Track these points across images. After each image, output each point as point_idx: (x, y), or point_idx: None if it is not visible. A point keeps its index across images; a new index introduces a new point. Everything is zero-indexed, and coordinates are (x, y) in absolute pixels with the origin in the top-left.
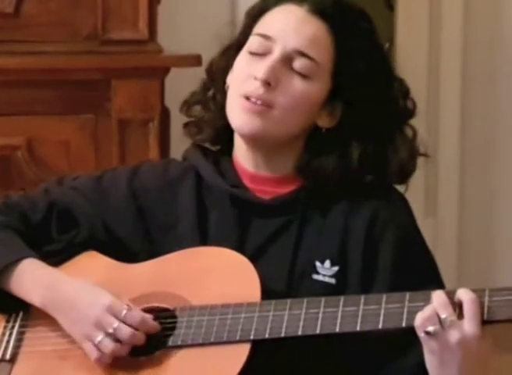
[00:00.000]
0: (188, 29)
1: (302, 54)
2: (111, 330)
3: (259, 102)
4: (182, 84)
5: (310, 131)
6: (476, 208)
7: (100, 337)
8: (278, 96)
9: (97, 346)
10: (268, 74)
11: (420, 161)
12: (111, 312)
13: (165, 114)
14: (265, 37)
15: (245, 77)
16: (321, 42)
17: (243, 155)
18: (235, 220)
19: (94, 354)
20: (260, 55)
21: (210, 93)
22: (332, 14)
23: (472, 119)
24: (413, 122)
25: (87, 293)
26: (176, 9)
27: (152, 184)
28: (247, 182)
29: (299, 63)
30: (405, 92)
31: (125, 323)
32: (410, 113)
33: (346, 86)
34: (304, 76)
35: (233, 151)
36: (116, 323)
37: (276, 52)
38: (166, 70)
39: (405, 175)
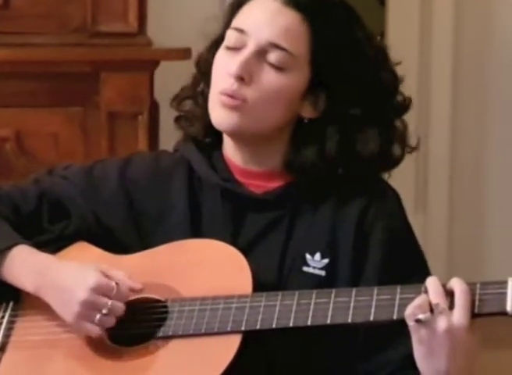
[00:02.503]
0: (178, 22)
1: (275, 46)
2: (105, 311)
3: (233, 97)
4: (171, 77)
5: (294, 123)
6: (466, 203)
7: (98, 315)
8: (252, 90)
9: (96, 323)
10: (240, 69)
11: (410, 157)
12: (100, 291)
13: (154, 107)
14: (240, 30)
15: (223, 74)
16: (296, 33)
17: (231, 150)
18: (227, 214)
19: (95, 330)
20: (235, 49)
21: (199, 87)
22: (307, 4)
23: (463, 114)
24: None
25: (74, 273)
26: (165, 2)
27: (143, 176)
28: (237, 176)
29: (273, 56)
30: (395, 86)
31: (116, 299)
32: (405, 107)
33: (326, 75)
34: (278, 68)
35: (223, 146)
36: (109, 302)
37: (250, 46)
38: (156, 63)
39: (391, 163)
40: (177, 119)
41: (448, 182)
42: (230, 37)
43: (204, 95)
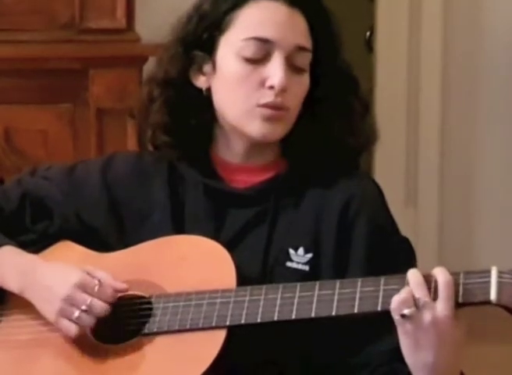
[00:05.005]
0: (166, 17)
1: (301, 48)
2: (84, 307)
3: (279, 109)
4: None
5: None
6: (456, 197)
7: (77, 312)
8: (290, 98)
9: (75, 321)
10: (284, 82)
11: (400, 151)
12: (82, 288)
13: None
14: (263, 40)
15: (254, 86)
16: (306, 31)
17: (228, 150)
18: (209, 210)
19: (72, 329)
20: (259, 60)
21: (174, 94)
22: (305, 2)
23: (452, 108)
24: (393, 110)
25: (58, 272)
26: None
27: (125, 175)
28: (222, 172)
29: (299, 58)
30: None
31: (98, 298)
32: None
33: (317, 64)
34: (302, 70)
35: (212, 145)
36: (89, 299)
37: (279, 55)
38: (144, 59)
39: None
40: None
41: (438, 176)
42: (248, 47)
43: (184, 101)
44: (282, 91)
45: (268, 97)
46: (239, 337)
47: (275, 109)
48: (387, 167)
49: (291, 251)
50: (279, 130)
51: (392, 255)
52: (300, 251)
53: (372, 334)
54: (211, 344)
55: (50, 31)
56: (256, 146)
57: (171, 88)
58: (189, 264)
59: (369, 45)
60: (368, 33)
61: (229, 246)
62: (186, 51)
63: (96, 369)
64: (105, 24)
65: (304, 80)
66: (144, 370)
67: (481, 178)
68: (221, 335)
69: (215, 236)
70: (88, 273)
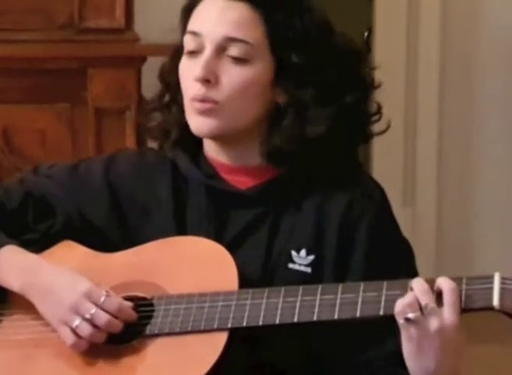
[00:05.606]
0: (165, 17)
1: (232, 39)
2: (88, 316)
3: (204, 101)
4: None
5: (272, 112)
6: (454, 197)
7: (77, 321)
8: (220, 90)
9: (74, 330)
10: (203, 72)
11: (398, 150)
12: (89, 297)
13: (141, 103)
14: (194, 33)
15: (189, 80)
16: (248, 22)
17: (214, 151)
18: (211, 211)
19: (70, 339)
20: (196, 53)
21: (166, 98)
22: None
23: (450, 107)
24: (391, 108)
25: (65, 278)
26: None
27: (128, 173)
28: (223, 173)
29: (232, 49)
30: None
31: (103, 309)
32: (372, 85)
33: (287, 57)
34: (240, 61)
35: (204, 148)
36: (94, 309)
37: (207, 46)
38: (143, 59)
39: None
40: (149, 131)
41: (436, 176)
42: (187, 41)
43: (178, 103)
44: (206, 82)
45: (194, 88)
46: (240, 340)
47: (200, 102)
48: (385, 167)
49: (293, 252)
50: (211, 124)
51: (394, 258)
52: (302, 252)
53: (373, 338)
54: (213, 346)
55: (48, 31)
56: (225, 144)
57: (168, 88)
58: (190, 266)
59: (367, 45)
60: (366, 33)
61: (231, 247)
62: (179, 53)
63: (96, 370)
64: (104, 24)
65: (246, 71)
66: (145, 372)
67: (479, 178)
68: (222, 338)
69: (217, 237)
70: (95, 284)
